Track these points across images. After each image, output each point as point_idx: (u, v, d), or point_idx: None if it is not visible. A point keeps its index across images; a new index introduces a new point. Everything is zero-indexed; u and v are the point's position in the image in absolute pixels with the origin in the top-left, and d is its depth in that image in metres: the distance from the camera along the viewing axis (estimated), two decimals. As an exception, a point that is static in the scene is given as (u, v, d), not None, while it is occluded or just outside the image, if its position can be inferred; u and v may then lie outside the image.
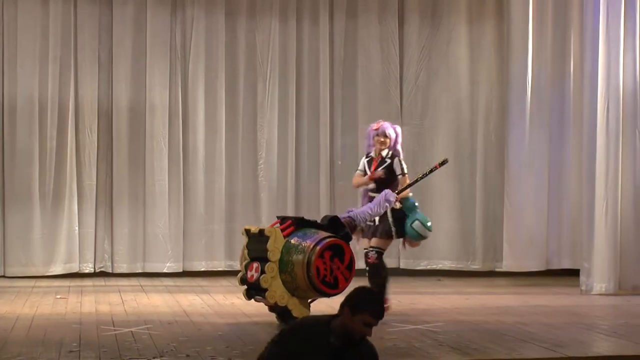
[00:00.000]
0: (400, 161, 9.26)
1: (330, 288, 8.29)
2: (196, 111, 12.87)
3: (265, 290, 8.40)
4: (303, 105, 13.14)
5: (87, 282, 11.79)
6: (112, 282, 12.05)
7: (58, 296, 10.51)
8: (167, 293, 10.95)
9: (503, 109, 13.12)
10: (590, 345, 7.71)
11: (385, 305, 8.45)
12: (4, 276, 12.34)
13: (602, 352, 7.32)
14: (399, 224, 9.09)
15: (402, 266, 12.78)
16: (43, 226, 12.46)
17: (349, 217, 8.79)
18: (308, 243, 8.37)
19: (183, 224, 12.79)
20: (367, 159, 9.39)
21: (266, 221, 12.46)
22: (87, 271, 12.53)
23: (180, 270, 12.73)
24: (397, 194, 9.03)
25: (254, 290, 8.57)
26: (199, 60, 12.86)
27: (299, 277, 8.32)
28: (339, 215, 8.81)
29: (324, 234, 8.46)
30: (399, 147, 9.34)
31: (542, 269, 12.88)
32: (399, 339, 7.68)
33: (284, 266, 8.41)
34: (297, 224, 8.63)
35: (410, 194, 9.25)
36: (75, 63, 12.60)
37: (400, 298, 9.98)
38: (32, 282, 11.85)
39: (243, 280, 8.65)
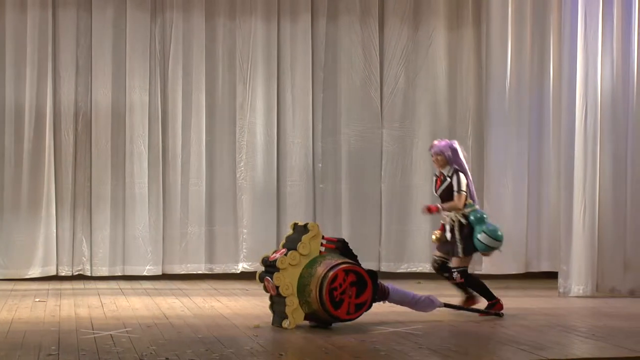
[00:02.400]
0: (458, 178, 9.38)
1: (331, 303, 8.26)
2: (175, 114, 12.86)
3: (277, 271, 8.39)
4: (284, 108, 13.15)
5: (66, 285, 11.74)
6: (91, 285, 12.02)
7: (37, 299, 10.47)
8: (147, 296, 10.93)
9: (482, 113, 13.17)
10: (569, 348, 7.73)
11: (499, 309, 9.20)
12: (-18, 279, 12.31)
13: (581, 354, 7.34)
14: (468, 239, 9.28)
15: (382, 269, 12.82)
16: (20, 229, 12.42)
17: (388, 286, 8.75)
18: (343, 259, 8.42)
19: (162, 227, 12.78)
20: (435, 176, 9.65)
21: (247, 221, 12.52)
22: (64, 274, 12.49)
23: (160, 273, 12.71)
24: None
25: (266, 271, 8.56)
26: (179, 62, 12.86)
27: (314, 277, 8.29)
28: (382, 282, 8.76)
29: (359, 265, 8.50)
30: (461, 161, 9.48)
31: (521, 271, 12.93)
32: (379, 342, 7.69)
33: (309, 264, 8.40)
34: (340, 247, 8.66)
35: (477, 207, 9.41)
36: (54, 67, 12.60)
37: (379, 301, 9.99)
38: (10, 285, 11.81)
39: (264, 260, 8.66)
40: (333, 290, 8.27)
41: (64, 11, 12.62)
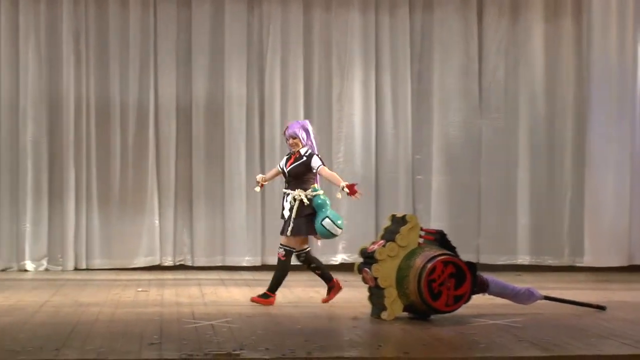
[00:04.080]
0: (317, 158, 9.38)
1: (430, 295, 8.24)
2: (273, 106, 12.96)
3: (376, 262, 8.41)
4: (382, 99, 13.13)
5: (168, 275, 11.93)
6: (192, 275, 12.19)
7: (139, 289, 10.67)
8: (247, 286, 11.03)
9: (582, 103, 12.98)
10: (673, 342, 7.58)
11: (268, 299, 9.18)
12: (87, 269, 12.59)
13: (686, 349, 7.19)
14: (302, 221, 9.23)
15: (481, 261, 12.71)
16: (124, 220, 12.68)
17: (487, 278, 8.68)
18: (441, 251, 8.41)
19: (261, 218, 12.89)
20: (287, 156, 9.53)
21: (346, 213, 12.58)
22: (167, 264, 12.71)
23: (259, 263, 12.83)
24: None
25: (365, 262, 8.59)
26: (276, 55, 12.94)
27: (413, 268, 8.29)
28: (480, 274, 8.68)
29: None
30: (312, 142, 9.50)
31: (625, 264, 12.72)
32: (478, 334, 7.64)
33: (408, 256, 8.41)
34: (438, 238, 8.65)
35: (322, 192, 9.31)
36: (155, 62, 12.80)
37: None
38: (114, 275, 12.06)
39: (362, 252, 8.69)
40: (432, 282, 8.25)
41: (164, 6, 12.82)
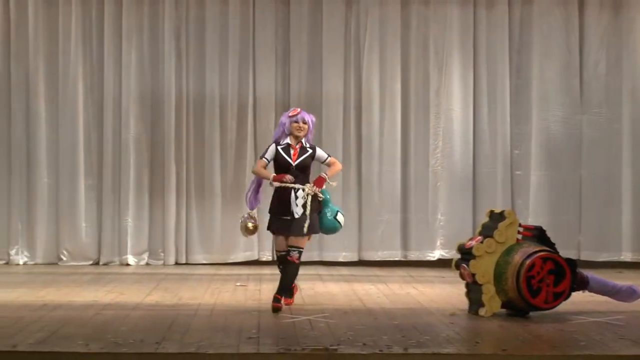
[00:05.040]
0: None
1: (529, 291, 8.16)
2: (371, 102, 12.96)
3: (474, 258, 8.37)
4: (480, 94, 13.03)
5: (266, 270, 12.02)
6: (290, 270, 12.25)
7: (238, 284, 10.78)
8: (344, 282, 11.07)
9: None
10: None
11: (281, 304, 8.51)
12: (187, 263, 12.77)
13: None
14: (315, 218, 8.67)
15: (582, 258, 12.52)
16: (224, 215, 12.83)
17: (587, 275, 8.56)
18: (540, 247, 8.34)
19: (358, 214, 12.91)
20: (282, 146, 8.72)
21: (444, 208, 12.53)
22: (265, 259, 12.82)
23: (356, 259, 12.85)
24: None
25: (462, 258, 8.54)
26: (374, 50, 12.94)
27: (511, 265, 8.21)
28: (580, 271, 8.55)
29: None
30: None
31: None
32: (578, 332, 7.54)
33: (506, 252, 8.35)
34: (537, 235, 8.57)
35: (325, 187, 8.71)
36: (254, 58, 12.92)
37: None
38: (213, 270, 12.21)
39: (460, 248, 8.66)
40: (531, 279, 8.16)
41: (263, 2, 12.93)
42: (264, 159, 8.76)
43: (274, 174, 8.67)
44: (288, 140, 8.72)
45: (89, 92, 12.85)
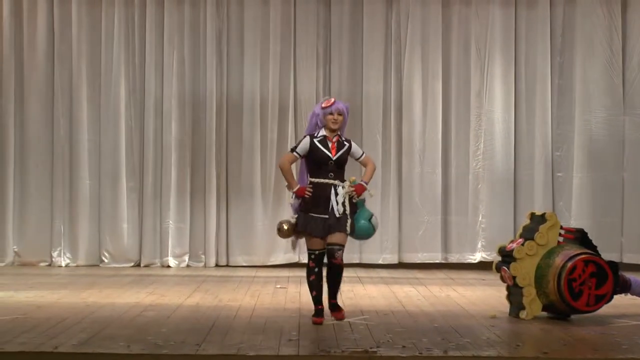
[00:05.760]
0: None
1: (570, 294, 8.11)
2: (412, 102, 12.94)
3: (514, 260, 8.33)
4: (521, 94, 12.97)
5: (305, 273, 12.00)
6: (330, 272, 12.24)
7: (278, 286, 10.80)
8: (383, 284, 11.05)
9: None
10: None
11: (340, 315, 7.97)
12: (227, 265, 12.82)
13: None
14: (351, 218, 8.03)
15: (624, 260, 12.41)
16: (264, 217, 12.87)
17: (630, 278, 8.47)
18: (582, 249, 8.29)
19: (399, 216, 12.88)
20: (318, 139, 8.01)
21: (485, 210, 12.48)
22: (304, 261, 12.79)
23: (396, 261, 12.83)
24: None
25: (503, 261, 8.51)
26: (415, 51, 12.93)
27: (552, 267, 8.17)
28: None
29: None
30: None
31: None
32: (620, 335, 7.48)
33: (547, 254, 8.31)
34: (578, 237, 8.53)
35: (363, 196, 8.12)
36: (295, 58, 12.96)
37: (621, 293, 9.71)
38: (253, 272, 12.24)
39: (501, 250, 8.63)
40: (572, 281, 8.10)
41: (304, 3, 12.95)
42: (294, 153, 8.01)
43: (300, 186, 7.99)
44: (323, 132, 8.04)
45: (130, 94, 12.94)
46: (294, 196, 8.06)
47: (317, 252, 8.10)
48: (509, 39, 12.96)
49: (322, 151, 7.96)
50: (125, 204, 12.88)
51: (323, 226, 7.99)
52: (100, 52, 12.95)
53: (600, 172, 12.84)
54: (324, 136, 8.01)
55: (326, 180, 7.96)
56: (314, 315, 8.03)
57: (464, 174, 12.92)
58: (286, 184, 8.12)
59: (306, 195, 7.92)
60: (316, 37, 13.00)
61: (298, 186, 8.00)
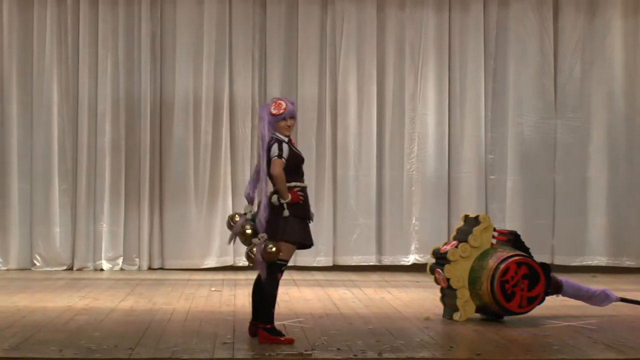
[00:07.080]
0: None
1: (503, 296, 8.17)
2: (346, 105, 12.97)
3: (448, 263, 8.38)
4: (455, 98, 13.06)
5: (241, 276, 12.00)
6: (265, 275, 12.22)
7: (213, 289, 10.75)
8: (318, 287, 11.06)
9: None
10: None
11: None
12: (161, 268, 12.73)
13: None
14: None
15: (556, 262, 12.56)
16: (198, 220, 12.79)
17: (561, 280, 8.56)
18: (515, 251, 8.36)
19: (333, 218, 12.90)
20: (287, 142, 7.38)
21: (419, 213, 12.54)
22: (240, 265, 12.78)
23: (331, 264, 12.84)
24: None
25: (437, 263, 8.56)
26: (350, 54, 12.96)
27: (486, 269, 8.24)
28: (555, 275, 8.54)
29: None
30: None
31: None
32: (551, 336, 7.57)
33: (481, 256, 8.37)
34: (511, 239, 8.59)
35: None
36: (230, 60, 12.90)
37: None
38: (187, 275, 12.17)
39: (435, 252, 8.69)
40: (505, 283, 8.18)
41: (240, 5, 12.90)
42: (283, 159, 7.29)
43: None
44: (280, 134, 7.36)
45: (63, 96, 12.78)
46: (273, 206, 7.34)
47: (287, 263, 7.61)
48: (443, 42, 13.04)
49: (299, 153, 7.45)
50: (58, 207, 12.72)
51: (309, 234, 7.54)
52: (32, 54, 12.77)
53: (532, 174, 12.99)
54: (289, 137, 7.41)
55: (305, 184, 7.49)
56: (282, 335, 7.31)
57: (398, 176, 12.98)
58: (274, 194, 7.32)
59: (301, 200, 7.36)
60: (252, 39, 12.96)
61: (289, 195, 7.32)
